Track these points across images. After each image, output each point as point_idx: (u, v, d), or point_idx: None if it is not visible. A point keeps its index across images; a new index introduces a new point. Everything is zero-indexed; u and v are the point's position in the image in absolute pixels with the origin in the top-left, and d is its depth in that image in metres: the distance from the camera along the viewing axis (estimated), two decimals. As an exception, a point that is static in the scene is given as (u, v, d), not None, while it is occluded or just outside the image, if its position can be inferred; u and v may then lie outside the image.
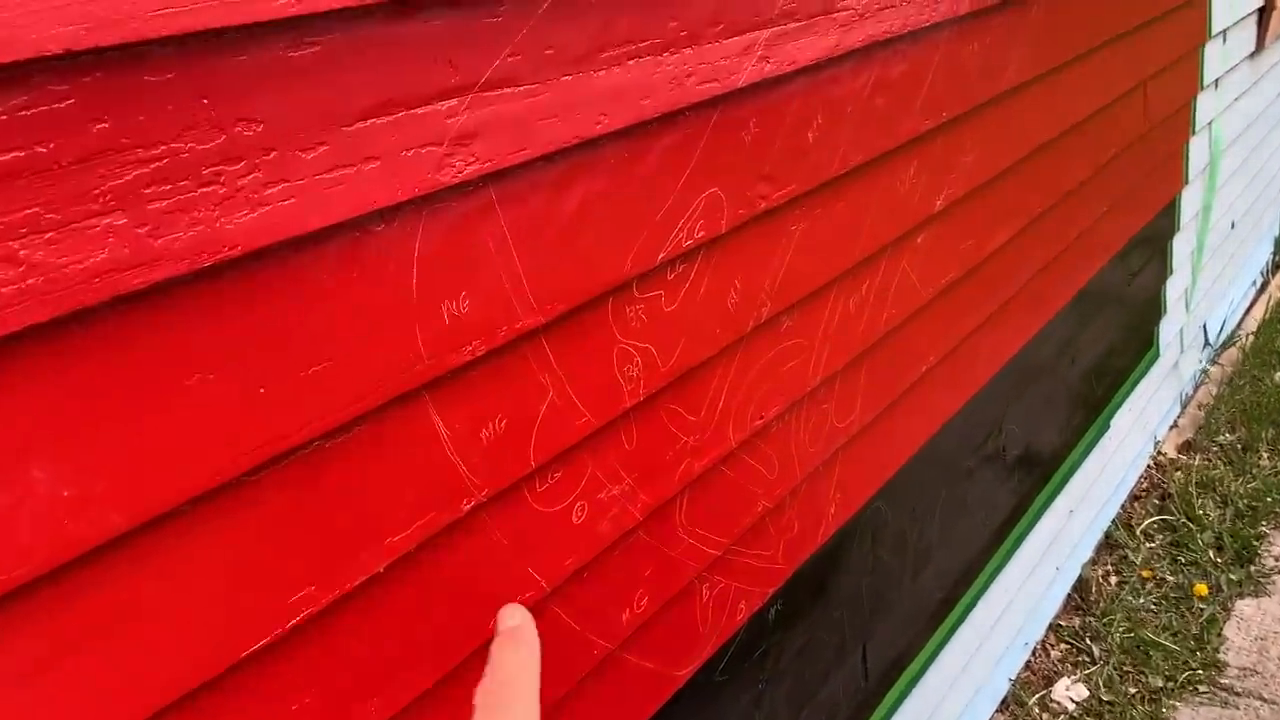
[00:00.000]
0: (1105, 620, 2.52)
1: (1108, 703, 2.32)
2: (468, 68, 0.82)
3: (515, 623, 0.57)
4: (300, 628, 0.79)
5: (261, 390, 0.74)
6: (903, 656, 1.83)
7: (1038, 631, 2.48)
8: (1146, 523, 2.86)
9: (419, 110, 0.79)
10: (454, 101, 0.82)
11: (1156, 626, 2.51)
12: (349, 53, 0.74)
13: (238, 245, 0.69)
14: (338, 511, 0.80)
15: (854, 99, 1.29)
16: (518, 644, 0.55)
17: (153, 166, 0.65)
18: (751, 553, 1.35)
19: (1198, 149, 2.83)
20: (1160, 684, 2.34)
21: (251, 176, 0.69)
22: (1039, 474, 2.27)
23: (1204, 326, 3.35)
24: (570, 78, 0.91)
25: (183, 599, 0.70)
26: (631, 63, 0.96)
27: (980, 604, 2.07)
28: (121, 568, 0.67)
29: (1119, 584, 2.68)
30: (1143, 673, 2.37)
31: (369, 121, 0.76)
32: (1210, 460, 3.07)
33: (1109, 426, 2.58)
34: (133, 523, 0.67)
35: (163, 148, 0.65)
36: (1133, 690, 2.34)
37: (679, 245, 1.08)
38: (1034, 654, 2.47)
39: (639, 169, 1.01)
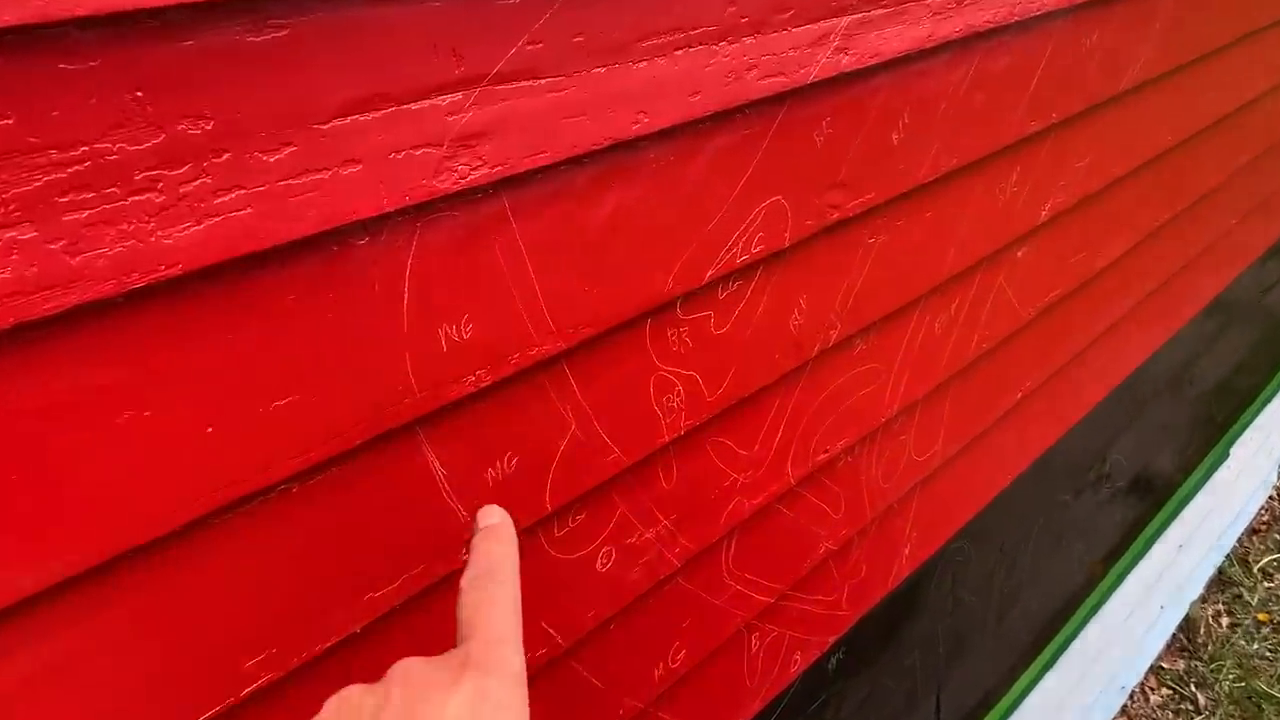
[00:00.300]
0: (1214, 666, 2.30)
1: (1212, 761, 2.11)
2: (476, 57, 0.69)
3: (494, 520, 0.57)
4: (258, 696, 0.68)
5: (209, 429, 0.62)
6: (983, 704, 1.67)
7: (1137, 675, 2.28)
8: (1266, 560, 2.62)
9: (413, 106, 0.67)
10: (457, 96, 0.69)
11: (1271, 677, 2.28)
12: (325, 37, 0.62)
13: (178, 263, 0.58)
14: (305, 563, 0.69)
15: (948, 96, 1.13)
16: (497, 538, 0.54)
17: (70, 171, 0.54)
18: (810, 599, 1.21)
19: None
20: (1273, 744, 2.13)
21: (198, 183, 0.58)
22: (1147, 504, 2.07)
23: (1343, 347, 3.06)
24: (604, 70, 0.77)
25: (104, 674, 0.60)
26: (680, 53, 0.83)
27: (1074, 645, 1.88)
28: (28, 637, 0.57)
29: (1231, 626, 2.45)
30: (1254, 730, 2.16)
31: (350, 119, 0.64)
32: (1342, 495, 2.81)
33: (1229, 455, 2.35)
34: (44, 584, 0.56)
35: (83, 149, 0.54)
36: (1241, 749, 2.13)
37: (733, 261, 0.94)
38: (1131, 698, 2.27)
39: (686, 175, 0.88)
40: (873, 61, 1.01)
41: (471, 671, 0.42)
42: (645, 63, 0.81)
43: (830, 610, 1.26)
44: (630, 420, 0.91)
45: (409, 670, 0.43)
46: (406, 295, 0.71)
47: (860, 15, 0.97)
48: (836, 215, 1.05)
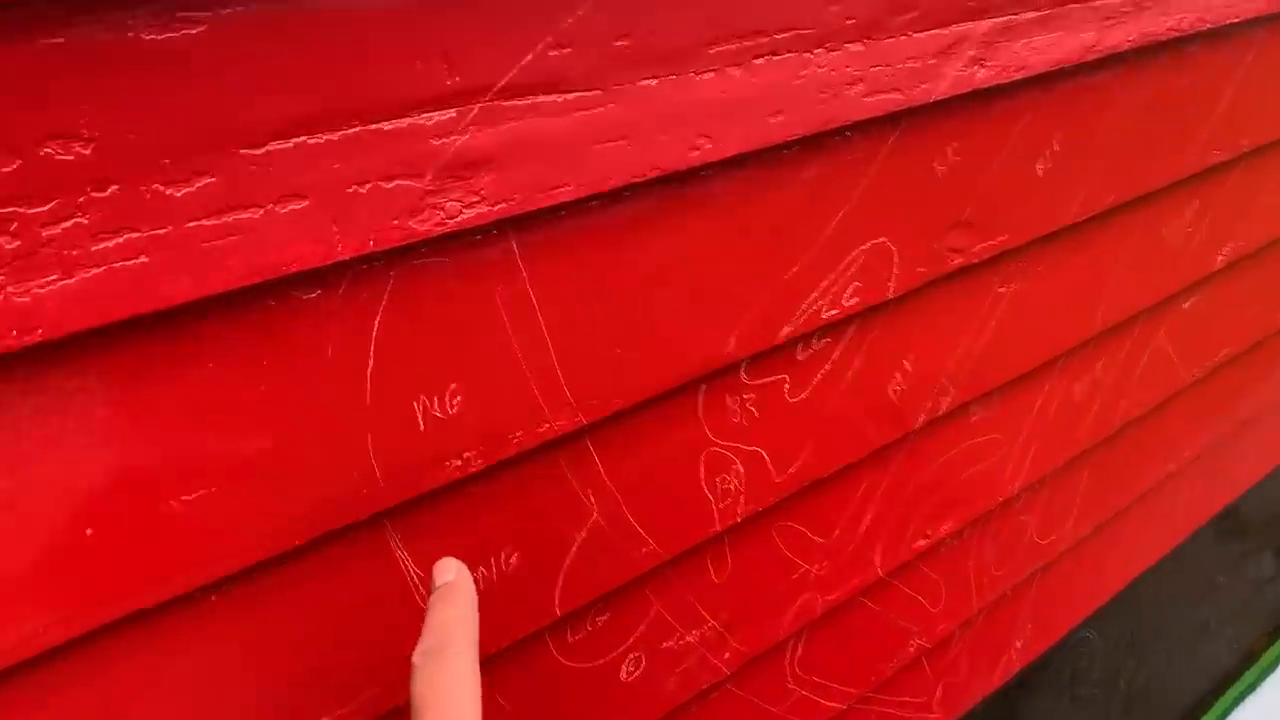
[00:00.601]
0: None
1: None
2: (477, 63, 0.54)
3: (449, 577, 0.50)
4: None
5: (88, 531, 0.48)
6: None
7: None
8: None
9: (385, 125, 0.51)
10: (449, 113, 0.53)
11: None
12: (260, 35, 0.47)
13: (38, 328, 0.43)
14: (233, 681, 0.55)
15: (1112, 119, 0.90)
16: (453, 600, 0.48)
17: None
18: (894, 701, 1.01)
19: None
20: None
21: (69, 224, 0.43)
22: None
23: None
24: (654, 81, 0.60)
25: None
26: (760, 62, 0.64)
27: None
28: None
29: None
30: None
31: (293, 141, 0.48)
32: None
33: None
34: None
35: (-104, 178, 0.39)
36: None
37: (818, 315, 0.75)
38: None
39: (760, 213, 0.70)
40: (1017, 76, 0.80)
41: None
42: (712, 74, 0.62)
43: (919, 714, 1.07)
44: (672, 506, 0.73)
45: None
46: (371, 361, 0.55)
47: (1004, 19, 0.76)
48: (959, 261, 0.85)
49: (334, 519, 0.57)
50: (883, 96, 0.73)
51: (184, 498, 0.52)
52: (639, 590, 0.76)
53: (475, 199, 0.56)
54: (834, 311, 0.78)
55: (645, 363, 0.68)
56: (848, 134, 0.74)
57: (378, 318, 0.56)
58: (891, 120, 0.76)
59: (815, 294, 0.76)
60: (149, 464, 0.50)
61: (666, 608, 0.78)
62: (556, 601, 0.70)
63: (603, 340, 0.65)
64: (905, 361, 0.87)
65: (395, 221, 0.54)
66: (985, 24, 0.77)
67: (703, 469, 0.75)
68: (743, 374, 0.76)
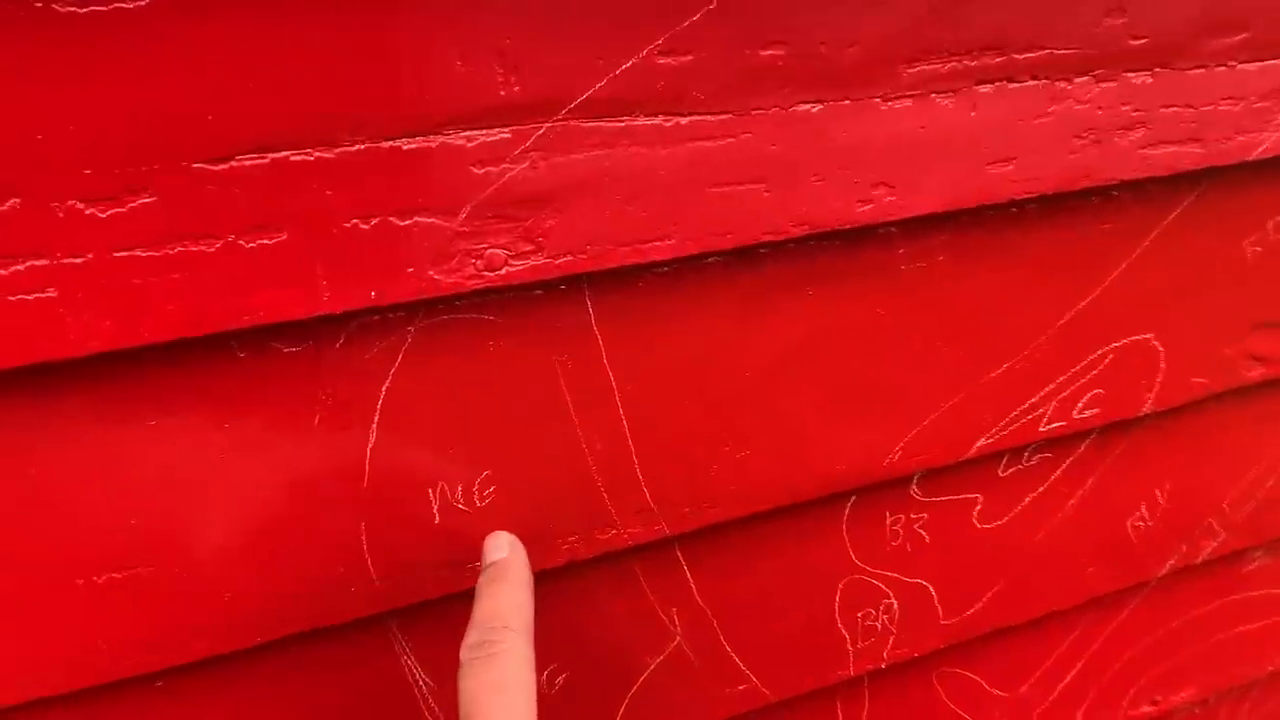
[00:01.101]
0: None
1: None
2: (547, 69, 0.39)
3: (502, 554, 0.44)
4: None
5: None
6: None
7: None
8: None
9: (405, 143, 0.37)
10: (502, 134, 0.39)
11: None
12: (227, 11, 0.33)
13: None
14: None
15: None
16: (507, 579, 0.43)
17: None
18: None
19: None
20: None
21: None
22: None
23: None
24: (816, 107, 0.42)
25: None
26: (985, 89, 0.45)
27: None
28: None
29: None
30: None
31: (268, 156, 0.35)
32: None
33: None
34: None
35: None
36: None
37: (1034, 428, 0.55)
38: None
39: (960, 287, 0.52)
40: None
41: None
42: (908, 101, 0.43)
43: None
44: (788, 639, 0.57)
45: None
46: (374, 434, 0.42)
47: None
48: (1259, 373, 0.61)
49: (315, 617, 0.44)
50: (1175, 149, 0.51)
51: (97, 579, 0.40)
52: (738, 725, 0.59)
53: (529, 248, 0.41)
54: (1058, 424, 0.57)
55: (765, 467, 0.51)
56: (1115, 194, 0.52)
57: (387, 382, 0.42)
58: (1188, 181, 0.54)
59: (1034, 400, 0.56)
60: (59, 538, 0.40)
61: (774, 752, 0.61)
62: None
63: (704, 434, 0.49)
64: (1158, 492, 0.64)
65: (411, 270, 0.40)
66: (1359, 57, 0.52)
67: (839, 599, 0.57)
68: (914, 489, 0.57)
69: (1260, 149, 0.54)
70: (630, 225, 0.43)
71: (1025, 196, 0.50)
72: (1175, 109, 0.51)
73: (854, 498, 0.56)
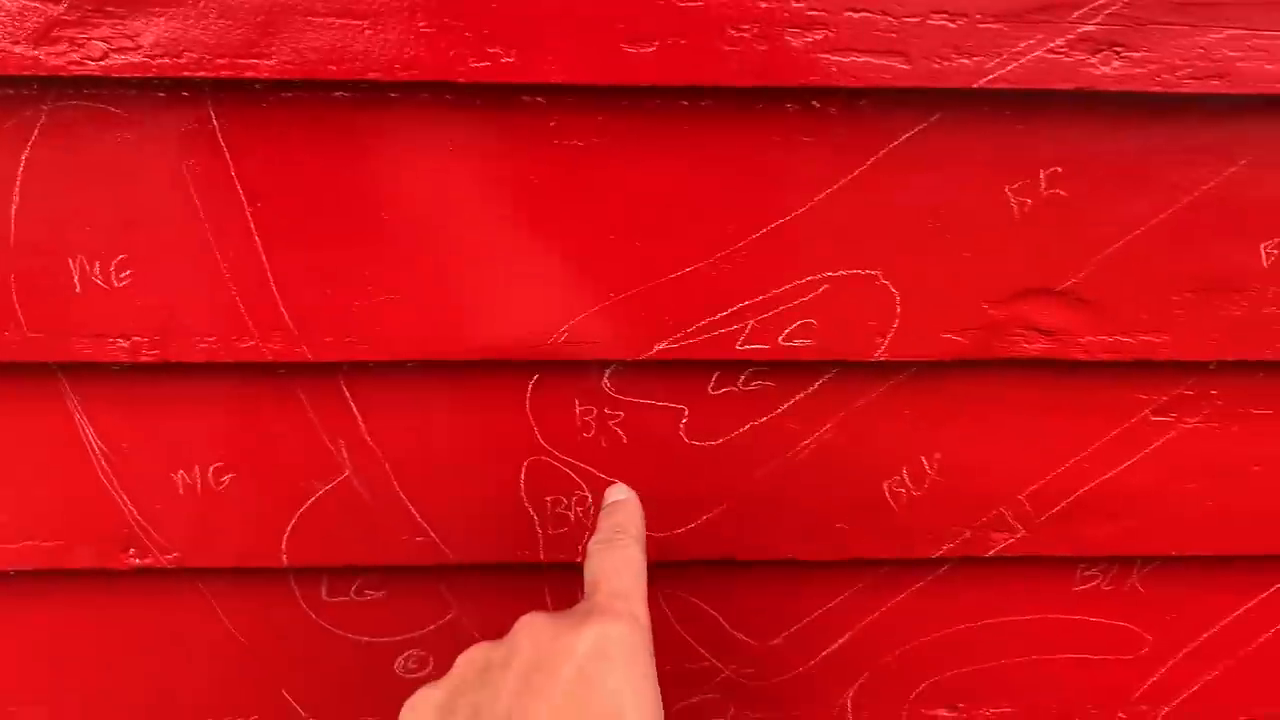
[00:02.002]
0: None
1: None
2: None
3: (620, 497, 0.54)
4: None
5: None
6: None
7: None
8: None
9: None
10: None
11: None
12: None
13: None
14: None
15: None
16: (624, 510, 0.52)
17: None
18: None
19: None
20: None
21: None
22: None
23: None
24: None
25: None
26: None
27: None
28: None
29: None
30: None
31: None
32: None
33: None
34: None
35: None
36: None
37: (730, 342, 0.56)
38: None
39: (625, 179, 0.55)
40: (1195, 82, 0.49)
41: (597, 616, 0.42)
42: None
43: None
44: (470, 501, 0.60)
45: (534, 623, 0.43)
46: (16, 199, 0.50)
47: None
48: (1041, 347, 0.57)
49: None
50: (870, 60, 0.49)
51: None
52: (428, 582, 0.62)
53: (128, 45, 0.47)
54: (760, 346, 0.55)
55: (415, 316, 0.54)
56: (813, 103, 0.50)
57: (25, 152, 0.50)
58: (910, 101, 0.50)
59: (725, 313, 0.55)
60: None
61: (470, 618, 0.64)
62: (284, 551, 0.60)
63: (343, 269, 0.52)
64: (924, 460, 0.60)
65: (17, 48, 0.46)
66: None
67: (524, 476, 0.59)
68: (606, 383, 0.57)
69: (987, 77, 0.49)
70: (225, 39, 0.47)
71: (672, 85, 0.49)
72: (866, 14, 0.48)
73: (536, 375, 0.57)
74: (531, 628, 0.43)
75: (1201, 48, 0.50)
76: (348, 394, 0.57)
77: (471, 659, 0.43)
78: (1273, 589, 0.66)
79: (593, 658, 0.40)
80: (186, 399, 0.56)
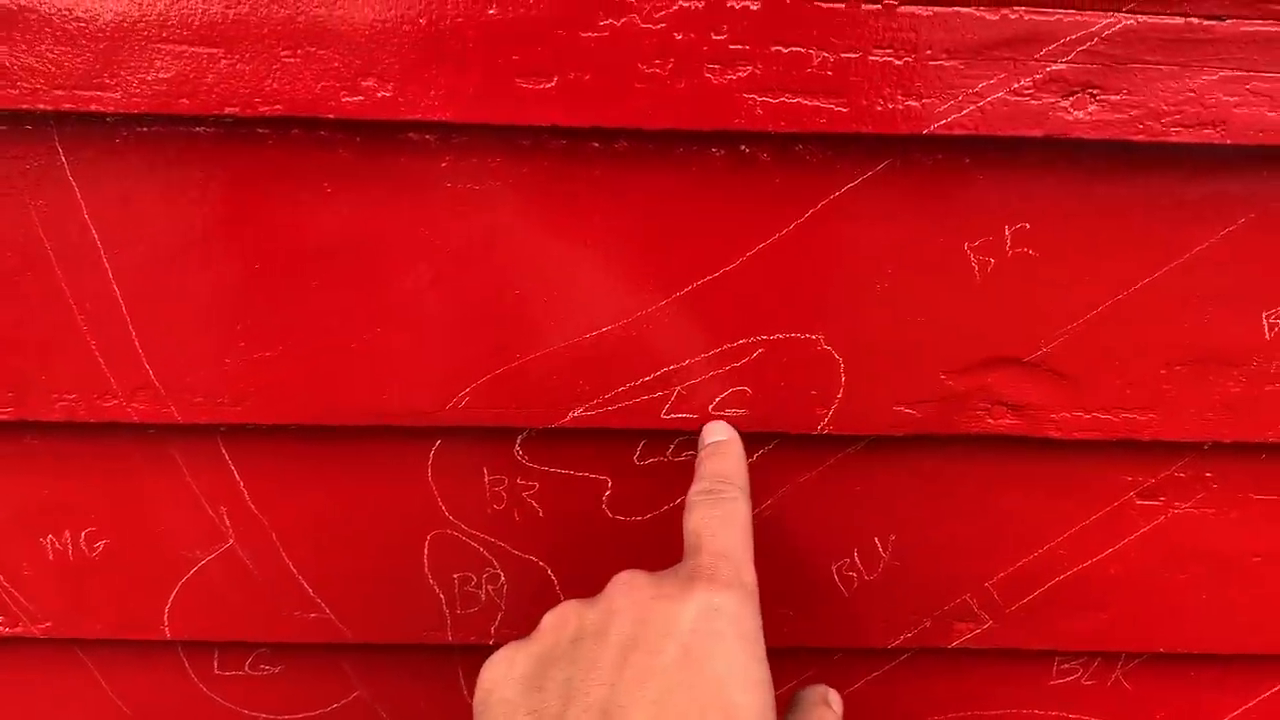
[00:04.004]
0: None
1: None
2: None
3: (720, 437, 0.49)
4: None
5: None
6: None
7: None
8: None
9: None
10: None
11: None
12: None
13: None
14: None
15: None
16: (725, 455, 0.47)
17: None
18: None
19: None
20: None
21: None
22: None
23: None
24: None
25: None
26: None
27: None
28: None
29: None
30: None
31: None
32: None
33: None
34: None
35: None
36: None
37: (655, 410, 0.50)
38: None
39: (531, 228, 0.49)
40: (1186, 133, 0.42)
41: (702, 583, 0.38)
42: None
43: None
44: (369, 578, 0.55)
45: (632, 583, 0.39)
46: None
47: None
48: (1008, 423, 0.51)
49: None
50: (803, 102, 0.42)
51: None
52: (328, 659, 0.56)
53: (-44, 72, 0.41)
54: (688, 415, 0.49)
55: (294, 376, 0.48)
56: (742, 148, 0.44)
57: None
58: (853, 148, 0.44)
59: (647, 379, 0.48)
60: None
61: (376, 697, 0.58)
62: (166, 622, 0.54)
63: (212, 323, 0.46)
64: (878, 541, 0.53)
65: None
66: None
67: (427, 551, 0.53)
68: (518, 450, 0.51)
69: (940, 122, 0.42)
70: (64, 68, 0.41)
71: (577, 125, 0.42)
72: (797, 49, 0.41)
73: (438, 441, 0.51)
74: (630, 591, 0.39)
75: (1192, 91, 0.42)
76: (227, 457, 0.51)
77: (562, 621, 0.39)
78: (1272, 691, 0.58)
79: (699, 635, 0.36)
80: (50, 459, 0.51)
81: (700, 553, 0.40)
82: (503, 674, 0.38)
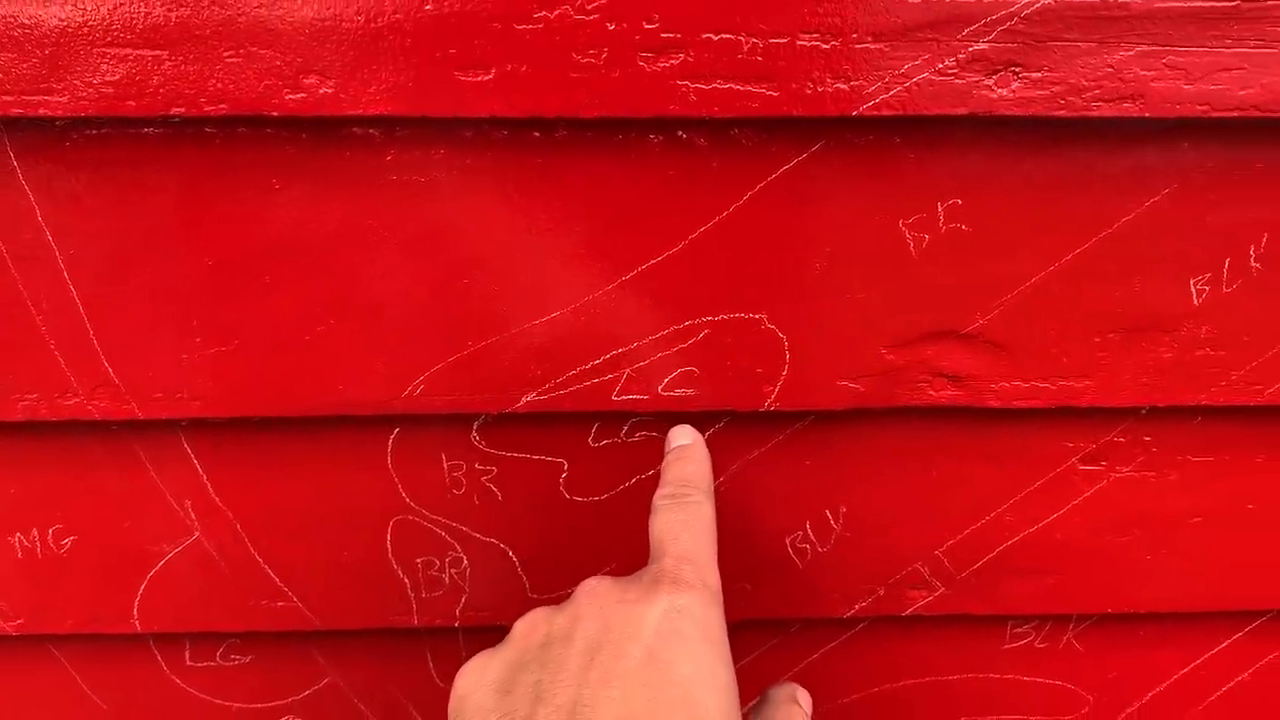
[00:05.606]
0: None
1: None
2: None
3: (685, 441, 0.50)
4: None
5: None
6: None
7: None
8: None
9: None
10: None
11: None
12: None
13: None
14: None
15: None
16: (690, 459, 0.49)
17: None
18: None
19: None
20: None
21: None
22: None
23: None
24: None
25: None
26: None
27: None
28: None
29: None
30: None
31: None
32: None
33: None
34: None
35: None
36: None
37: (605, 393, 0.51)
38: None
39: (476, 219, 0.50)
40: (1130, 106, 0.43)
41: (666, 586, 0.39)
42: None
43: None
44: (335, 565, 0.56)
45: (597, 589, 0.40)
46: None
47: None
48: (950, 394, 0.52)
49: None
50: (734, 87, 0.43)
51: None
52: (297, 646, 0.58)
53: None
54: (639, 397, 0.50)
55: (250, 370, 0.49)
56: (679, 133, 0.45)
57: None
58: (785, 130, 0.45)
59: (597, 362, 0.49)
60: None
61: (347, 683, 0.59)
62: (136, 616, 0.55)
63: (167, 319, 0.47)
64: (829, 513, 0.55)
65: None
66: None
67: (390, 537, 0.54)
68: (475, 436, 0.52)
69: (869, 103, 0.44)
70: (12, 73, 0.42)
71: (515, 116, 0.44)
72: (727, 36, 0.43)
73: (397, 430, 0.52)
74: (595, 597, 0.40)
75: (1111, 66, 0.44)
76: (190, 452, 0.52)
77: (531, 628, 0.40)
78: (1220, 647, 0.60)
79: (663, 636, 0.37)
80: (16, 459, 0.51)
81: (664, 556, 0.41)
82: (475, 681, 0.39)
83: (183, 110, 0.43)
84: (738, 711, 0.37)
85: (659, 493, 0.46)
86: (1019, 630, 0.60)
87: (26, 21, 0.41)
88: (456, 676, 0.40)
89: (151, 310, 0.48)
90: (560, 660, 0.37)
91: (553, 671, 0.37)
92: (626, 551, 0.55)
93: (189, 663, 0.59)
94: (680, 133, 0.46)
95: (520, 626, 0.41)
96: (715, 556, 0.43)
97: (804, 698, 0.47)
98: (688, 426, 0.51)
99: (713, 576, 0.41)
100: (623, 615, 0.38)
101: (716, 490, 0.54)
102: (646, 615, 0.38)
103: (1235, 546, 0.56)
